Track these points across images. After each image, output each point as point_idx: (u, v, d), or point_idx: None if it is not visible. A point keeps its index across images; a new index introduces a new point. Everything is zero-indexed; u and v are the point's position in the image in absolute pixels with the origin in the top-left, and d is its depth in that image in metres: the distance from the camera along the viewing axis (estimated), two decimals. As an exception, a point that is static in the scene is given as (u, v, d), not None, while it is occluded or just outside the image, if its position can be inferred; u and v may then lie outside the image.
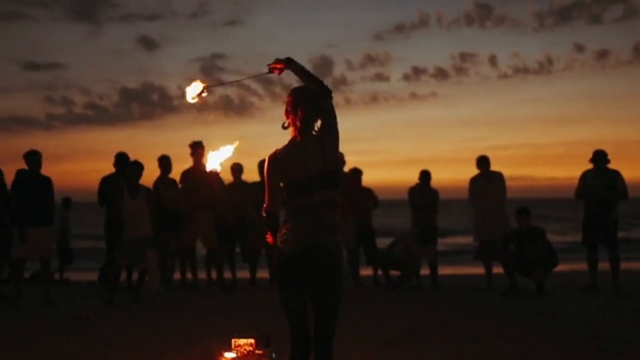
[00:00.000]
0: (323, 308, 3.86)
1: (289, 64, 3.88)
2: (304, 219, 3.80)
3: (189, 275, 10.81)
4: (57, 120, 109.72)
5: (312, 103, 3.81)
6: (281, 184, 3.88)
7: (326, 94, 3.82)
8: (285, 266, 3.88)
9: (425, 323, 7.54)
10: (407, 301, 9.43)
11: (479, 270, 11.70)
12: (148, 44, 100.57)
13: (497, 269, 10.50)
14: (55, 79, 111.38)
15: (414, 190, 11.49)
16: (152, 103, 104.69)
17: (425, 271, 11.05)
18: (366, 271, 11.88)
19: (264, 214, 3.95)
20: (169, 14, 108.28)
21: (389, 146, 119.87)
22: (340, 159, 3.84)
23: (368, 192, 11.52)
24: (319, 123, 3.85)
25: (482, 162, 10.90)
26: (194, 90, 4.03)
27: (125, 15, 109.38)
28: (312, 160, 3.79)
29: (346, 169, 11.15)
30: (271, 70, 3.93)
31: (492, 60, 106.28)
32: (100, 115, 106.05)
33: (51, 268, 10.16)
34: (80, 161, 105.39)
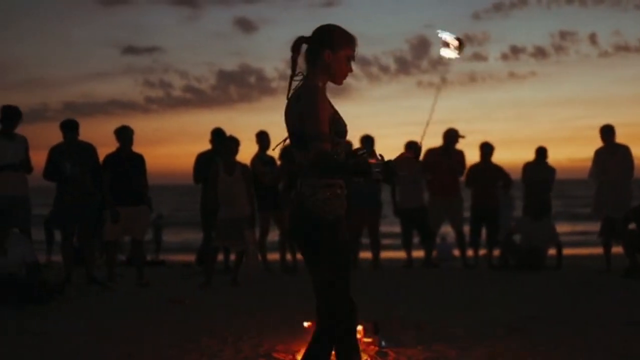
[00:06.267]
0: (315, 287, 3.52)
1: None
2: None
3: (288, 257, 10.36)
4: (155, 103, 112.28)
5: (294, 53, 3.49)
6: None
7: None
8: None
9: (547, 308, 6.88)
10: (527, 284, 8.69)
11: (599, 250, 10.83)
12: (246, 26, 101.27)
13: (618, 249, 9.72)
14: (153, 63, 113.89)
15: (528, 167, 10.96)
16: (249, 85, 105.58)
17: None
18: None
19: None
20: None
21: (486, 126, 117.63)
22: (305, 119, 3.34)
23: (498, 170, 10.84)
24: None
25: (606, 131, 9.95)
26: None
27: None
28: (290, 114, 3.42)
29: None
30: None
31: (593, 39, 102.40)
32: (197, 98, 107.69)
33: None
34: (178, 144, 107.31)
